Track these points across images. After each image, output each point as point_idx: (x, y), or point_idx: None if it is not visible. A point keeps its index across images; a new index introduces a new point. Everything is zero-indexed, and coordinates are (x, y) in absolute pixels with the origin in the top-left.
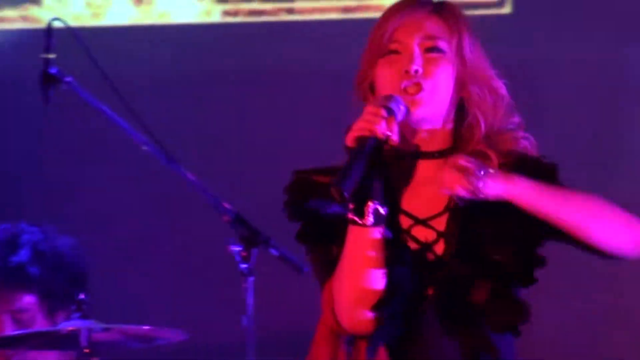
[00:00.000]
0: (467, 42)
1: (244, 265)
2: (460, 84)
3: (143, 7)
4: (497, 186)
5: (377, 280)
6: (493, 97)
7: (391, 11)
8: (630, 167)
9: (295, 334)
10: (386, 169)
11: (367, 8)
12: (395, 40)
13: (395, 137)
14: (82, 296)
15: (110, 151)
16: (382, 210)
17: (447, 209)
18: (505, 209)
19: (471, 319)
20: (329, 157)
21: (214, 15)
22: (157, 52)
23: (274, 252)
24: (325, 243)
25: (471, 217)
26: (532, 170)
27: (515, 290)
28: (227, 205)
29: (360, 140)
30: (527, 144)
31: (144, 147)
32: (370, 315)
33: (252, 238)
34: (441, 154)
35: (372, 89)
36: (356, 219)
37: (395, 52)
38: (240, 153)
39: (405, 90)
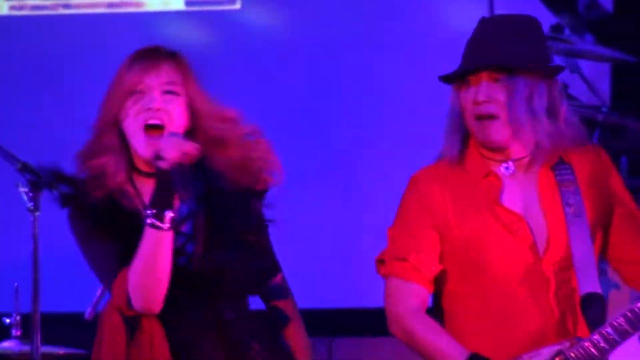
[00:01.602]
0: (194, 85)
1: (30, 203)
2: (194, 118)
3: None
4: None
5: (167, 269)
6: (221, 123)
7: (138, 58)
8: None
9: (75, 262)
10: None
11: (128, 4)
12: (140, 82)
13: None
14: None
15: None
16: (173, 218)
17: (191, 213)
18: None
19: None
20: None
21: (2, 9)
22: None
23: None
24: (120, 240)
25: (210, 217)
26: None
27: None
28: (16, 156)
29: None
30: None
31: None
32: (159, 296)
33: (37, 182)
34: None
35: (115, 122)
36: (157, 223)
37: (141, 92)
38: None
39: (147, 123)
